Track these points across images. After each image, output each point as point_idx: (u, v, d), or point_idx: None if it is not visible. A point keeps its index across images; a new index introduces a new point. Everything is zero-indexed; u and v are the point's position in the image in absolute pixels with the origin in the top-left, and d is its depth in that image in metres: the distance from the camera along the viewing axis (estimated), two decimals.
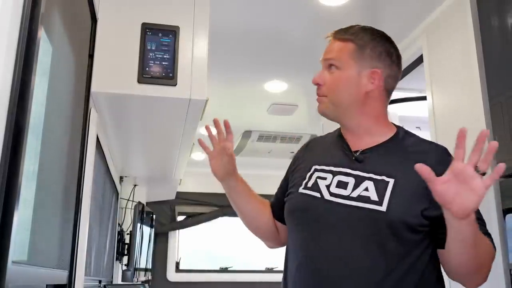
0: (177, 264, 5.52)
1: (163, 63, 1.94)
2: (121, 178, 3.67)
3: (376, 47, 1.33)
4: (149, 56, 1.93)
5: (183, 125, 2.33)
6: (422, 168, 1.01)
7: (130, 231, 3.57)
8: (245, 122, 4.16)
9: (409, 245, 1.18)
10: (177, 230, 5.60)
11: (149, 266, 4.33)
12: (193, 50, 2.00)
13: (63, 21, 1.29)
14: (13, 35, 0.86)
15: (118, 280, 3.67)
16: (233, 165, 1.43)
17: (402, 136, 1.34)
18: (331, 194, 1.26)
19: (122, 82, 1.92)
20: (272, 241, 1.52)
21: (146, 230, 3.98)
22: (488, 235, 1.18)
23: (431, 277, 1.20)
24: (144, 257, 3.93)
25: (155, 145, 2.81)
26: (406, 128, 1.39)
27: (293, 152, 4.81)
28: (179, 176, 3.68)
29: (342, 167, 1.30)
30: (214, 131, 1.47)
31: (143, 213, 3.74)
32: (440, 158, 1.21)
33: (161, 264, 5.39)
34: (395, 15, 2.55)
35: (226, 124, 1.43)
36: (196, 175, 5.14)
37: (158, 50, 1.95)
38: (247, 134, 4.33)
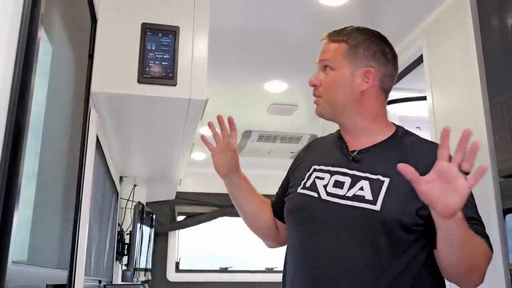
0: (177, 264, 5.52)
1: (163, 63, 1.94)
2: (121, 178, 3.67)
3: (370, 46, 1.34)
4: (149, 56, 1.93)
5: (183, 125, 2.33)
6: (405, 169, 1.01)
7: (130, 231, 3.57)
8: (245, 122, 4.16)
9: (404, 244, 1.18)
10: (177, 230, 5.59)
11: (149, 266, 4.33)
12: (193, 50, 2.00)
13: (63, 21, 1.29)
14: (13, 35, 0.86)
15: (118, 280, 3.66)
16: (236, 161, 1.44)
17: (401, 136, 1.34)
18: (328, 193, 1.27)
19: (122, 82, 1.92)
20: (272, 241, 1.53)
21: (146, 230, 3.98)
22: (484, 236, 1.17)
23: (427, 277, 1.19)
24: (144, 257, 3.93)
25: (155, 145, 2.81)
26: (407, 128, 1.40)
27: (293, 152, 4.82)
28: (179, 176, 3.68)
29: (340, 167, 1.31)
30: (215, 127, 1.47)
31: (143, 213, 3.73)
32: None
33: (161, 264, 5.39)
34: (395, 15, 2.55)
35: (231, 121, 1.44)
36: (196, 175, 5.14)
37: (158, 50, 1.95)
38: (247, 134, 4.33)
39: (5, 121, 0.82)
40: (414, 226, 1.18)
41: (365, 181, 1.24)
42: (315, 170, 1.35)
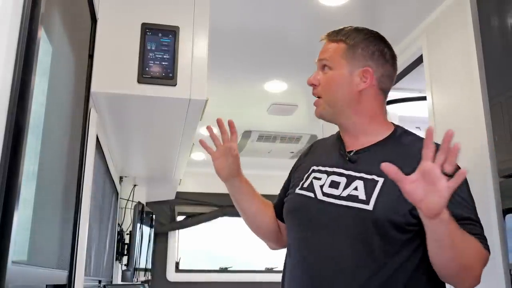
0: (177, 264, 5.52)
1: (163, 63, 1.94)
2: (121, 178, 3.67)
3: (369, 46, 1.34)
4: (149, 56, 1.93)
5: (183, 125, 2.33)
6: (388, 168, 1.01)
7: (130, 231, 3.57)
8: (245, 122, 4.16)
9: (397, 244, 1.18)
10: (177, 230, 5.59)
11: (149, 266, 4.33)
12: (193, 50, 2.00)
13: (63, 21, 1.29)
14: (13, 35, 0.86)
15: (118, 280, 3.66)
16: (238, 166, 1.44)
17: (399, 135, 1.34)
18: (324, 194, 1.28)
19: (122, 82, 1.92)
20: (275, 242, 1.53)
21: (146, 230, 3.98)
22: (480, 236, 1.15)
23: (422, 278, 1.18)
24: (144, 257, 3.93)
25: (155, 145, 2.81)
26: (406, 128, 1.40)
27: (292, 152, 4.82)
28: (179, 176, 3.68)
29: (337, 167, 1.32)
30: (215, 130, 1.47)
31: (143, 213, 3.73)
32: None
33: (161, 264, 5.39)
34: (395, 15, 2.55)
35: (231, 124, 1.44)
36: (196, 175, 5.14)
37: (158, 50, 1.95)
38: (247, 134, 4.33)
39: (5, 121, 0.82)
40: (408, 226, 1.17)
41: (359, 181, 1.25)
42: (313, 170, 1.37)
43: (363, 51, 1.33)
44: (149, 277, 4.37)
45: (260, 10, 2.52)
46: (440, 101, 2.43)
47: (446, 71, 2.38)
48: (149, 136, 2.64)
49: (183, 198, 5.37)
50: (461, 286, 1.16)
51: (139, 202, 3.69)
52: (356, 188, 1.24)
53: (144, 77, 1.91)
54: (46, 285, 1.26)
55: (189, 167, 3.99)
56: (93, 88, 1.82)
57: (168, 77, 1.93)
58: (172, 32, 1.98)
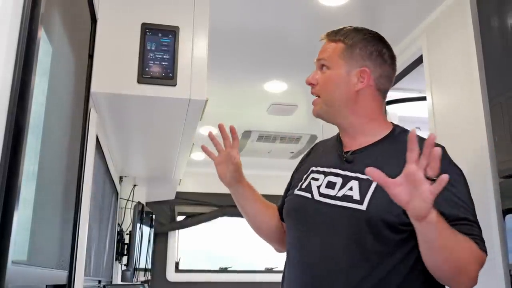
0: (177, 264, 5.52)
1: (163, 63, 1.94)
2: (120, 178, 3.67)
3: (367, 46, 1.34)
4: (148, 56, 1.93)
5: (183, 125, 2.33)
6: (373, 173, 1.01)
7: (130, 231, 3.57)
8: (245, 122, 4.16)
9: (391, 244, 1.18)
10: (176, 230, 5.59)
11: (149, 266, 4.32)
12: (193, 50, 2.00)
13: (63, 21, 1.29)
14: (13, 35, 0.86)
15: (117, 280, 3.66)
16: (240, 173, 1.44)
17: (397, 134, 1.34)
18: (320, 194, 1.29)
19: (121, 82, 1.92)
20: (281, 244, 1.53)
21: (146, 230, 3.98)
22: (476, 237, 1.14)
23: (416, 280, 1.18)
24: (143, 257, 3.93)
25: (155, 145, 2.81)
26: (406, 128, 1.40)
27: (292, 153, 4.82)
28: (179, 176, 3.68)
29: (334, 168, 1.33)
30: (215, 131, 1.48)
31: (143, 213, 3.73)
32: None
33: (160, 264, 5.39)
34: (395, 15, 2.55)
35: (232, 130, 1.44)
36: (195, 175, 5.14)
37: (158, 50, 1.95)
38: (246, 134, 4.33)
39: (5, 121, 0.82)
40: (401, 226, 1.17)
41: (355, 181, 1.25)
42: (312, 171, 1.38)
43: (361, 51, 1.34)
44: (149, 277, 4.36)
45: (260, 10, 2.52)
46: (440, 102, 2.43)
47: (446, 72, 2.38)
48: (149, 136, 2.64)
49: (183, 198, 5.37)
50: (456, 287, 1.15)
51: (139, 202, 3.69)
52: (351, 189, 1.24)
53: (144, 77, 1.91)
54: (46, 285, 1.26)
55: (189, 167, 3.99)
56: (93, 88, 1.82)
57: (168, 77, 1.93)
58: (172, 32, 1.98)
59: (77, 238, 1.61)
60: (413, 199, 0.98)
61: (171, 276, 5.41)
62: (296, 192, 1.36)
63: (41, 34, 0.94)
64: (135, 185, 3.97)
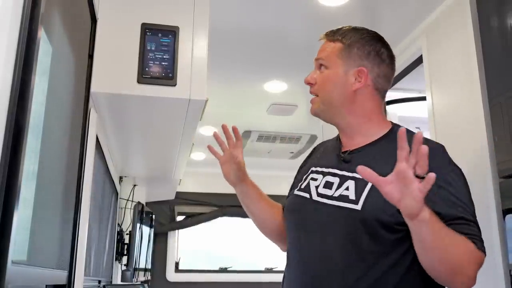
0: (177, 264, 5.52)
1: (163, 63, 1.94)
2: (120, 178, 3.67)
3: (364, 46, 1.35)
4: (148, 56, 1.93)
5: (183, 125, 2.33)
6: (364, 172, 1.01)
7: (130, 231, 3.57)
8: (244, 122, 4.16)
9: (387, 244, 1.18)
10: (176, 230, 5.59)
11: (149, 266, 4.32)
12: (193, 50, 2.00)
13: (63, 21, 1.29)
14: (13, 35, 0.86)
15: (117, 280, 3.66)
16: (243, 172, 1.45)
17: (395, 132, 1.34)
18: (318, 194, 1.30)
19: (121, 82, 1.92)
20: (285, 243, 1.53)
21: (146, 230, 3.98)
22: (474, 236, 1.13)
23: (413, 280, 1.17)
24: (143, 257, 3.93)
25: (155, 145, 2.81)
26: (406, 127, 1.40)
27: (292, 153, 4.82)
28: (179, 176, 3.68)
29: (332, 168, 1.33)
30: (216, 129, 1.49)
31: (143, 213, 3.73)
32: (431, 153, 1.20)
33: (160, 264, 5.39)
34: (394, 15, 2.55)
35: (235, 130, 1.46)
36: (195, 175, 5.14)
37: (158, 50, 1.95)
38: (246, 134, 4.33)
39: (5, 121, 0.82)
40: (397, 225, 1.16)
41: (351, 181, 1.26)
42: (311, 171, 1.39)
43: (358, 51, 1.34)
44: (149, 277, 4.36)
45: (260, 10, 2.52)
46: (440, 102, 2.43)
47: (446, 72, 2.38)
48: (149, 136, 2.64)
49: (183, 198, 5.36)
50: (454, 287, 1.14)
51: (138, 202, 3.69)
52: (347, 188, 1.25)
53: (144, 77, 1.91)
54: (46, 285, 1.26)
55: (189, 167, 3.99)
56: (93, 88, 1.82)
57: (168, 77, 1.93)
58: (172, 32, 1.98)
59: (77, 238, 1.61)
60: (404, 197, 0.98)
61: (171, 276, 5.41)
62: (296, 192, 1.37)
63: (41, 34, 0.94)
64: (135, 185, 3.97)
